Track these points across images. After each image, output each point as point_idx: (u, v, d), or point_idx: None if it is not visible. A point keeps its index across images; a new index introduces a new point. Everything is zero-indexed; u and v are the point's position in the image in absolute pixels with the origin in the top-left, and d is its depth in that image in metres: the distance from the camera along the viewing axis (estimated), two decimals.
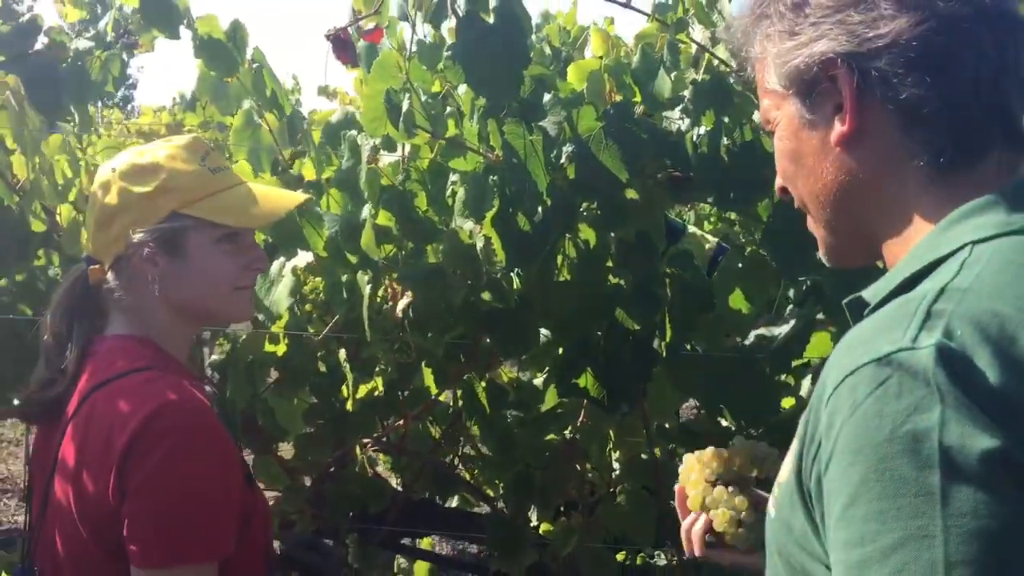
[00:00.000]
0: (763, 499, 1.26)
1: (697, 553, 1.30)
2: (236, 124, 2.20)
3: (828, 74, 0.91)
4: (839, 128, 0.92)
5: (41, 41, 2.70)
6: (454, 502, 2.60)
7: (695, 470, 1.30)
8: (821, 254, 1.04)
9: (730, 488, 1.28)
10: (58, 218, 2.12)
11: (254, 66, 2.08)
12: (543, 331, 2.01)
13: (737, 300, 2.07)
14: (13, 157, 2.13)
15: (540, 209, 1.71)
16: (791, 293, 2.35)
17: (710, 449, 1.31)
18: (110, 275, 1.48)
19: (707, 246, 2.20)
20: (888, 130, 0.90)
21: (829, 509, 0.78)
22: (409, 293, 1.84)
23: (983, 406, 0.70)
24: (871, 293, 0.91)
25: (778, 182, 1.06)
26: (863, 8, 0.88)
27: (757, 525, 1.26)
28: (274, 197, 1.54)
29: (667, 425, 2.31)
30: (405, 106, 1.67)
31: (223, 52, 2.05)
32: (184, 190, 1.44)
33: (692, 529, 1.29)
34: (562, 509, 2.41)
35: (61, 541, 1.40)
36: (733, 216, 2.36)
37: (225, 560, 1.34)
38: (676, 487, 1.34)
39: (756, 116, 1.02)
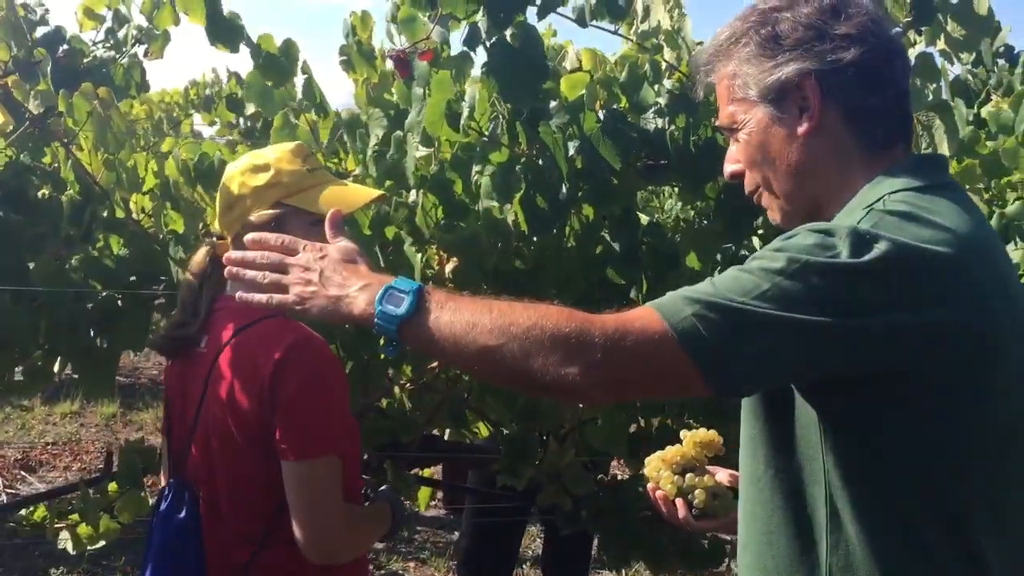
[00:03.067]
0: (712, 474, 1.63)
1: (692, 529, 1.65)
2: (276, 124, 2.62)
3: (799, 85, 1.27)
4: (805, 124, 1.29)
5: (62, 48, 3.04)
6: (446, 436, 3.11)
7: (662, 467, 1.62)
8: (775, 219, 1.38)
9: (695, 473, 1.61)
10: (132, 206, 2.50)
11: (303, 76, 2.52)
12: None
13: (692, 260, 2.65)
14: (87, 154, 2.48)
15: (564, 189, 2.23)
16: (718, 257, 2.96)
17: (669, 448, 1.63)
18: (232, 248, 1.94)
19: None
20: (838, 126, 1.29)
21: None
22: (455, 259, 2.33)
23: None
24: None
25: (731, 169, 1.41)
26: (826, 41, 1.27)
27: (725, 493, 1.61)
28: (353, 192, 1.97)
29: None
30: (466, 113, 2.17)
31: (278, 65, 2.48)
32: (287, 184, 1.89)
33: (679, 516, 1.59)
34: (545, 438, 2.95)
35: (217, 453, 1.85)
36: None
37: (343, 460, 1.83)
38: (648, 487, 1.64)
39: (718, 120, 1.40)
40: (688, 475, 1.61)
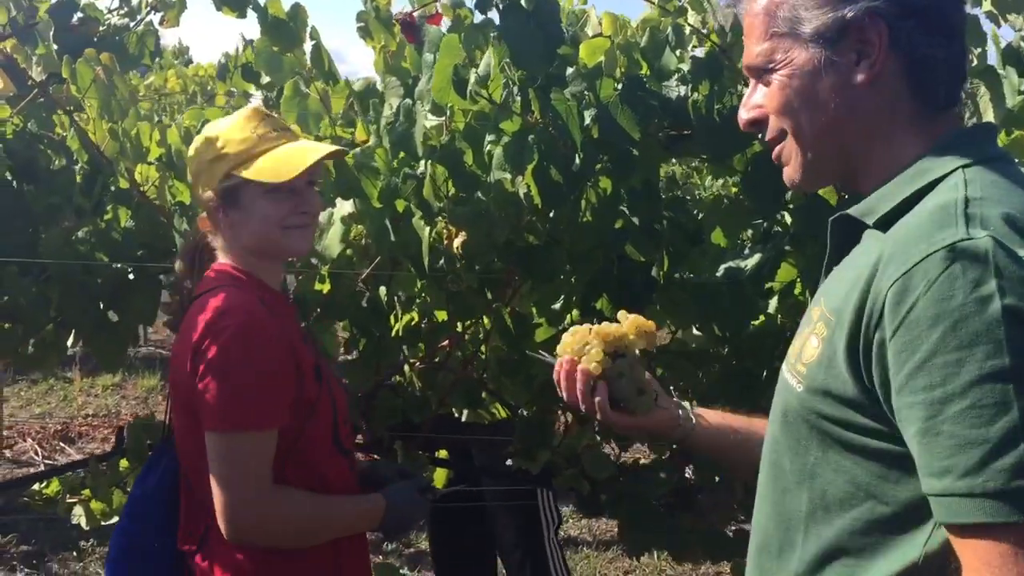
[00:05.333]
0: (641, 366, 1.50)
1: (601, 417, 1.49)
2: (286, 93, 2.53)
3: (861, 27, 1.11)
4: (864, 73, 1.13)
5: (77, 16, 2.98)
6: (463, 417, 3.02)
7: (592, 344, 1.44)
8: (793, 177, 1.23)
9: (626, 360, 1.45)
10: (137, 176, 2.44)
11: (312, 43, 2.43)
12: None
13: (718, 236, 2.52)
14: (93, 124, 2.42)
15: (578, 160, 2.12)
16: (748, 232, 2.82)
17: (606, 324, 1.46)
18: (209, 222, 1.89)
19: None
20: (897, 78, 1.14)
21: (899, 365, 0.98)
22: (463, 233, 2.23)
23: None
24: (865, 209, 1.14)
25: (750, 115, 1.25)
26: None
27: (650, 391, 1.48)
28: (303, 153, 1.86)
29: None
30: (472, 79, 2.06)
31: (286, 30, 2.39)
32: (235, 155, 1.83)
33: (591, 400, 1.47)
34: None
35: (178, 422, 1.85)
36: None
37: (291, 439, 1.77)
38: (561, 360, 1.46)
39: (746, 58, 1.23)
40: (618, 360, 1.44)
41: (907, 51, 1.13)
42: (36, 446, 6.40)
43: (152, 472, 2.00)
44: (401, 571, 4.65)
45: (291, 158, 1.82)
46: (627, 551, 3.35)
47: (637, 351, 1.51)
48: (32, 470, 5.66)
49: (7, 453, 6.30)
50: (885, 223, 1.11)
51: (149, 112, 3.04)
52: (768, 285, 2.53)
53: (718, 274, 2.57)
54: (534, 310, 2.65)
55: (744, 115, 1.27)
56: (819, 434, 1.12)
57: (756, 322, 2.68)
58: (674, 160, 4.03)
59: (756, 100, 1.25)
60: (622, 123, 2.19)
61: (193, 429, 1.78)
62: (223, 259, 1.90)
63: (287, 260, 1.99)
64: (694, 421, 1.59)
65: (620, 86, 2.21)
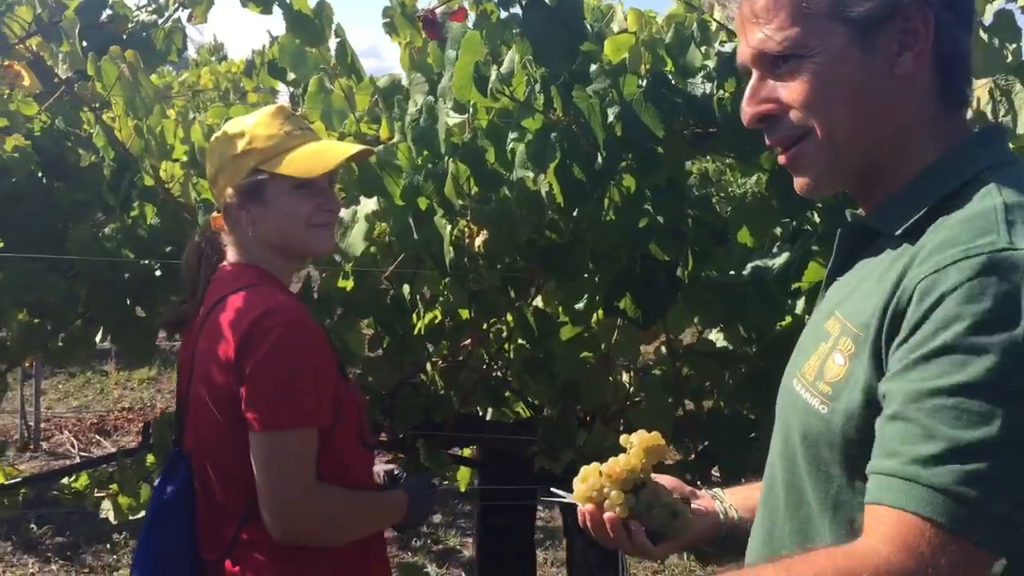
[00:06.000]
0: (663, 486, 1.38)
1: (654, 557, 1.40)
2: (310, 89, 2.53)
3: (907, 15, 1.03)
4: (908, 65, 1.05)
5: (106, 14, 3.00)
6: (488, 415, 3.00)
7: (607, 486, 1.33)
8: (806, 181, 1.13)
9: (649, 490, 1.34)
10: (162, 174, 2.45)
11: (336, 39, 2.43)
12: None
13: (744, 235, 2.48)
14: (119, 121, 2.43)
15: (600, 158, 2.09)
16: (778, 231, 2.77)
17: (612, 460, 1.34)
18: (225, 220, 1.88)
19: None
20: (928, 72, 1.07)
21: (905, 353, 0.94)
22: (484, 231, 2.21)
23: None
24: (884, 218, 1.07)
25: (760, 109, 1.13)
26: None
27: (684, 509, 1.37)
28: (333, 150, 1.87)
29: (674, 348, 2.73)
30: (493, 76, 2.04)
31: (311, 26, 2.38)
32: (262, 150, 1.83)
33: (633, 539, 1.33)
34: (587, 418, 2.83)
35: (200, 424, 1.82)
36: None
37: (326, 437, 1.75)
38: (583, 510, 1.34)
39: (764, 44, 1.08)
40: (642, 493, 1.34)
41: (945, 44, 1.06)
42: (72, 438, 6.49)
43: (169, 482, 1.96)
44: (426, 568, 4.66)
45: (320, 154, 1.82)
46: None
47: (650, 471, 1.40)
48: (68, 462, 5.73)
49: (44, 445, 6.39)
50: (912, 232, 1.04)
51: (183, 109, 3.05)
52: (795, 285, 2.49)
53: (744, 273, 2.54)
54: (560, 309, 2.63)
55: (751, 110, 1.13)
56: (845, 459, 1.05)
57: (783, 323, 2.64)
58: (708, 157, 3.99)
59: (770, 90, 1.11)
60: (646, 121, 2.15)
61: (227, 433, 1.74)
62: (236, 257, 1.89)
63: (306, 258, 1.98)
64: (735, 515, 1.45)
65: (644, 83, 2.18)
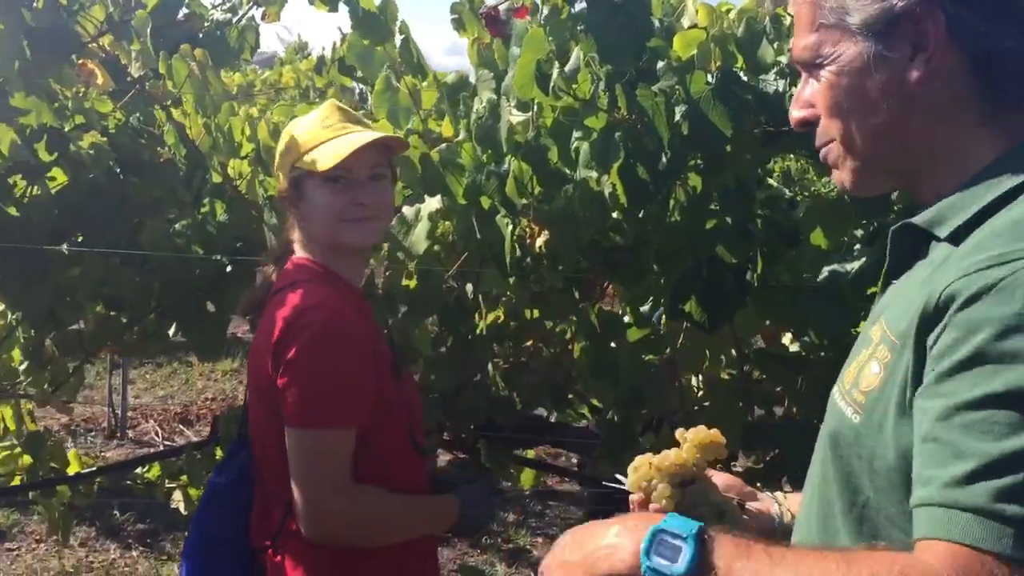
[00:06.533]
0: (714, 484, 1.34)
1: None
2: (377, 87, 2.52)
3: (916, 17, 1.00)
4: (920, 68, 1.01)
5: (182, 12, 3.04)
6: (553, 418, 2.96)
7: (655, 477, 1.32)
8: (843, 183, 1.12)
9: (697, 486, 1.32)
10: (229, 171, 2.47)
11: (400, 36, 2.42)
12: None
13: (817, 237, 2.39)
14: (190, 119, 2.47)
15: (664, 158, 2.03)
16: (858, 232, 2.67)
17: (665, 453, 1.34)
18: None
19: None
20: (957, 73, 1.01)
21: (931, 365, 0.89)
22: (546, 232, 2.18)
23: None
24: (933, 219, 1.02)
25: (800, 115, 1.14)
26: None
27: (732, 509, 1.35)
28: (355, 139, 1.80)
29: (746, 351, 2.65)
30: (555, 73, 2.00)
31: (377, 23, 2.38)
32: (298, 146, 1.83)
33: None
34: (654, 423, 2.77)
35: (254, 414, 1.85)
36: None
37: (369, 438, 1.74)
38: (633, 499, 1.34)
39: (794, 52, 1.12)
40: (689, 489, 1.31)
41: (968, 41, 1.00)
42: (157, 427, 6.65)
43: (228, 467, 2.01)
44: (495, 568, 4.64)
45: (342, 145, 1.79)
46: None
47: (705, 467, 1.38)
48: (151, 450, 5.89)
49: (130, 433, 6.57)
50: (958, 235, 0.99)
51: (265, 106, 3.09)
52: (871, 290, 2.39)
53: (820, 278, 2.45)
54: (628, 310, 2.58)
55: (795, 114, 1.15)
56: (874, 471, 1.00)
57: (857, 329, 2.54)
58: (791, 155, 3.87)
59: (805, 96, 1.13)
60: (714, 119, 2.09)
61: (272, 424, 1.77)
62: (301, 253, 1.90)
63: (361, 252, 1.95)
64: (790, 519, 1.40)
65: (713, 80, 2.12)
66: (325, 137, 1.79)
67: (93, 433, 6.52)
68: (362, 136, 1.79)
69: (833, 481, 1.06)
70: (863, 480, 1.02)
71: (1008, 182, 0.98)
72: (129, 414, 6.75)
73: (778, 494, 1.48)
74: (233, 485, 1.94)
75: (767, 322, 2.61)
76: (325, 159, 1.76)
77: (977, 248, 0.93)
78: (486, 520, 2.00)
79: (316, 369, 1.69)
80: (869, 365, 1.01)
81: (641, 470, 1.35)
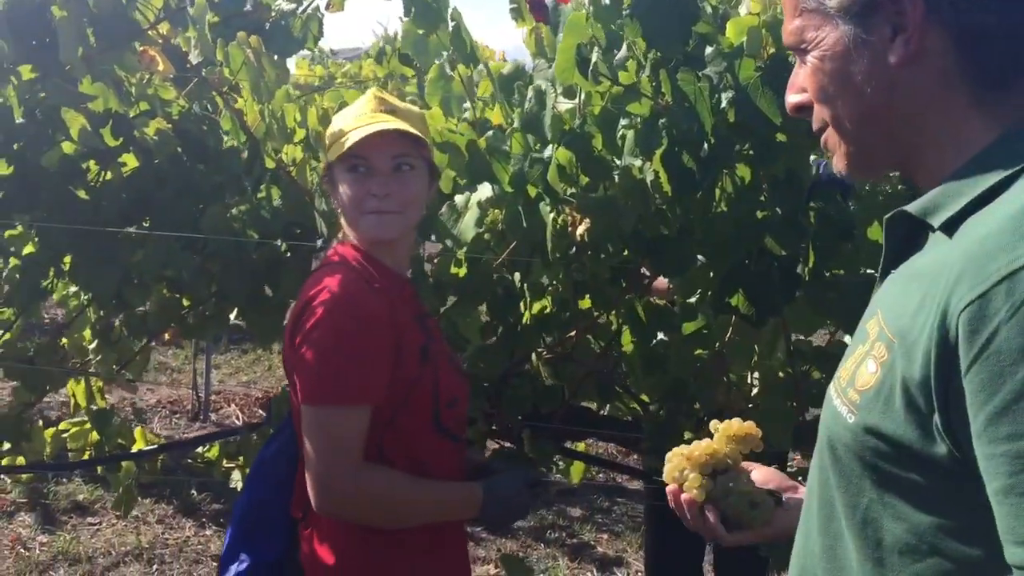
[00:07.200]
0: (747, 474, 1.38)
1: (725, 543, 1.38)
2: (431, 76, 2.53)
3: None
4: (900, 50, 0.97)
5: (250, 2, 3.10)
6: (605, 410, 2.93)
7: (687, 467, 1.37)
8: (840, 168, 1.10)
9: (729, 476, 1.36)
10: (283, 157, 2.51)
11: (452, 24, 2.42)
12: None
13: (875, 232, 2.31)
14: (247, 106, 2.52)
15: (706, 146, 1.99)
16: None
17: (697, 443, 1.38)
18: None
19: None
20: (944, 51, 0.97)
21: (977, 407, 0.83)
22: (587, 220, 2.15)
23: None
24: (926, 207, 0.97)
25: (795, 100, 1.12)
26: None
27: (765, 500, 1.37)
28: (371, 128, 1.78)
29: (803, 349, 2.57)
30: (594, 59, 1.97)
31: (429, 11, 2.39)
32: (333, 135, 1.84)
33: (708, 525, 1.35)
34: (705, 419, 2.71)
35: (291, 391, 1.88)
36: None
37: (389, 419, 1.77)
38: (669, 489, 1.38)
39: (784, 38, 1.12)
40: (720, 478, 1.35)
41: (951, 19, 0.95)
42: (238, 411, 6.83)
43: (273, 441, 2.06)
44: (558, 562, 4.62)
45: (359, 134, 1.78)
46: (771, 564, 3.15)
47: (740, 459, 1.42)
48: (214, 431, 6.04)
49: (212, 416, 6.76)
50: (952, 225, 0.94)
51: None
52: None
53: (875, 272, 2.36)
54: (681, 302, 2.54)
55: (790, 99, 1.13)
56: (874, 473, 0.96)
57: None
58: None
59: (798, 81, 1.11)
60: (762, 107, 2.03)
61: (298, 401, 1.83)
62: (346, 238, 1.93)
63: (396, 242, 1.95)
64: None
65: (763, 66, 2.06)
66: (352, 126, 1.81)
67: (178, 415, 6.73)
68: (377, 126, 1.78)
69: (835, 485, 1.02)
70: (864, 482, 0.98)
71: (1004, 169, 0.93)
72: (212, 398, 6.94)
73: None
74: (275, 457, 1.99)
75: (827, 321, 2.54)
76: (341, 147, 1.78)
77: (985, 254, 0.86)
78: (515, 513, 1.98)
79: (324, 347, 1.72)
80: (865, 363, 0.97)
81: (674, 461, 1.39)
